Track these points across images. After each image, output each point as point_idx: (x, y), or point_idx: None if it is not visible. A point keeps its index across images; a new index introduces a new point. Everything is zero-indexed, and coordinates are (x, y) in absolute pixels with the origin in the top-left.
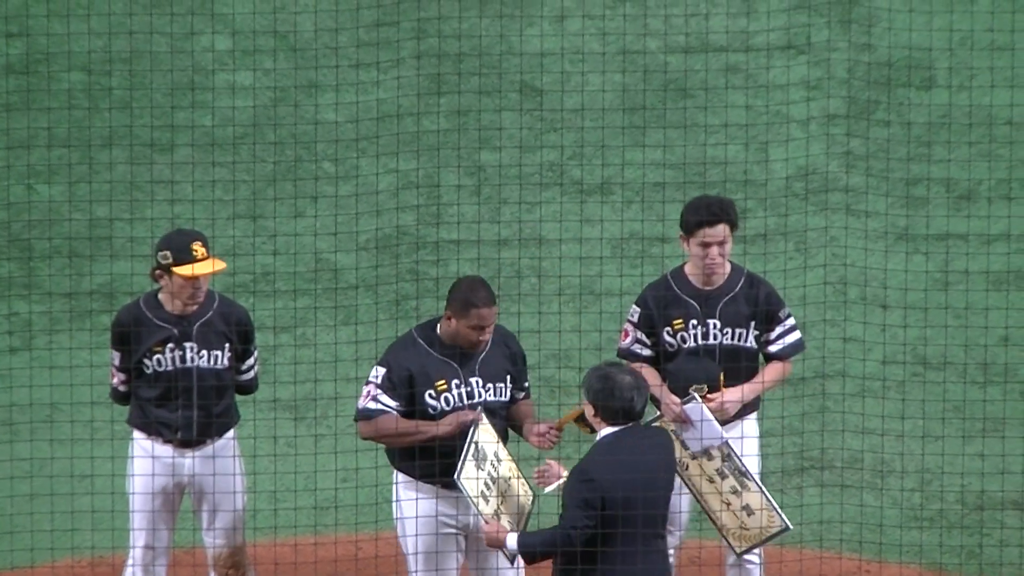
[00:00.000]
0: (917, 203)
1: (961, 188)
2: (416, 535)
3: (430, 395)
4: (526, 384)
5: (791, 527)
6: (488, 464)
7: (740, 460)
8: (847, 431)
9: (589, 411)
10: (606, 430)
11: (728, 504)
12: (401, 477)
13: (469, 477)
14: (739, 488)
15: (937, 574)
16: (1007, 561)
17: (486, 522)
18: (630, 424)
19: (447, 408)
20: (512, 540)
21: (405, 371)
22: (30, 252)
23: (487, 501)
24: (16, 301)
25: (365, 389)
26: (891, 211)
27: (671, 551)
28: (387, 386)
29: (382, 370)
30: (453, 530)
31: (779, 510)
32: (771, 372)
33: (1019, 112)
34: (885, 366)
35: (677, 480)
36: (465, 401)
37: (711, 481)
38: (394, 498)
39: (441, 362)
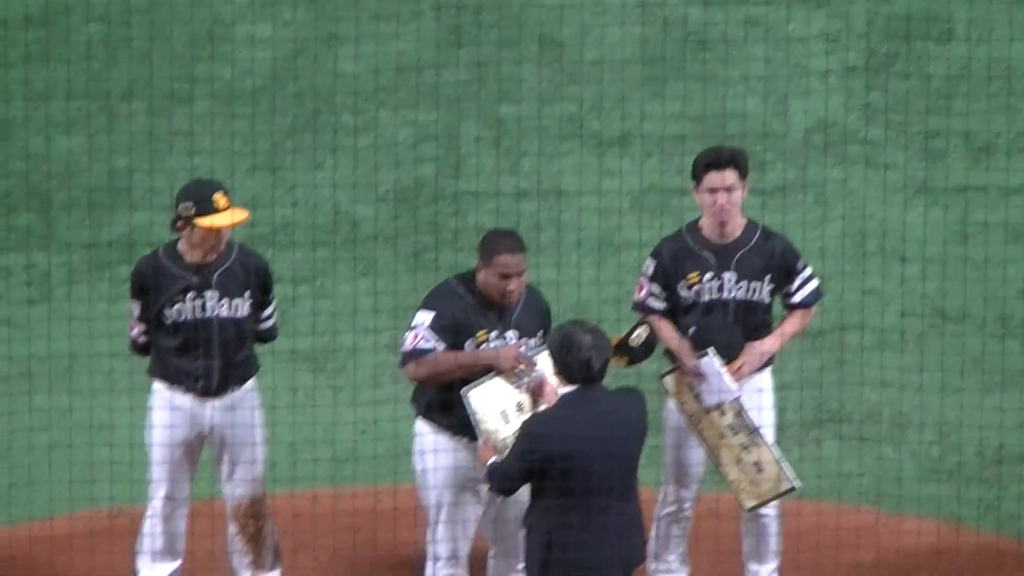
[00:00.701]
0: (936, 156)
1: (980, 141)
2: (437, 487)
3: (470, 345)
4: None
5: (798, 486)
6: (508, 404)
7: (750, 418)
8: (865, 384)
9: (554, 369)
10: (565, 388)
11: (739, 460)
12: (425, 428)
13: (480, 395)
14: (749, 445)
15: (955, 527)
16: None
17: (484, 442)
18: (593, 384)
19: None
20: (489, 461)
21: (450, 317)
22: (49, 203)
23: (490, 424)
24: (35, 252)
25: (411, 333)
26: (910, 164)
27: (687, 503)
28: (437, 328)
29: (429, 313)
30: (474, 483)
31: (788, 470)
32: (791, 323)
33: None
34: (904, 319)
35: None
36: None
37: (722, 436)
38: (416, 449)
39: (480, 313)
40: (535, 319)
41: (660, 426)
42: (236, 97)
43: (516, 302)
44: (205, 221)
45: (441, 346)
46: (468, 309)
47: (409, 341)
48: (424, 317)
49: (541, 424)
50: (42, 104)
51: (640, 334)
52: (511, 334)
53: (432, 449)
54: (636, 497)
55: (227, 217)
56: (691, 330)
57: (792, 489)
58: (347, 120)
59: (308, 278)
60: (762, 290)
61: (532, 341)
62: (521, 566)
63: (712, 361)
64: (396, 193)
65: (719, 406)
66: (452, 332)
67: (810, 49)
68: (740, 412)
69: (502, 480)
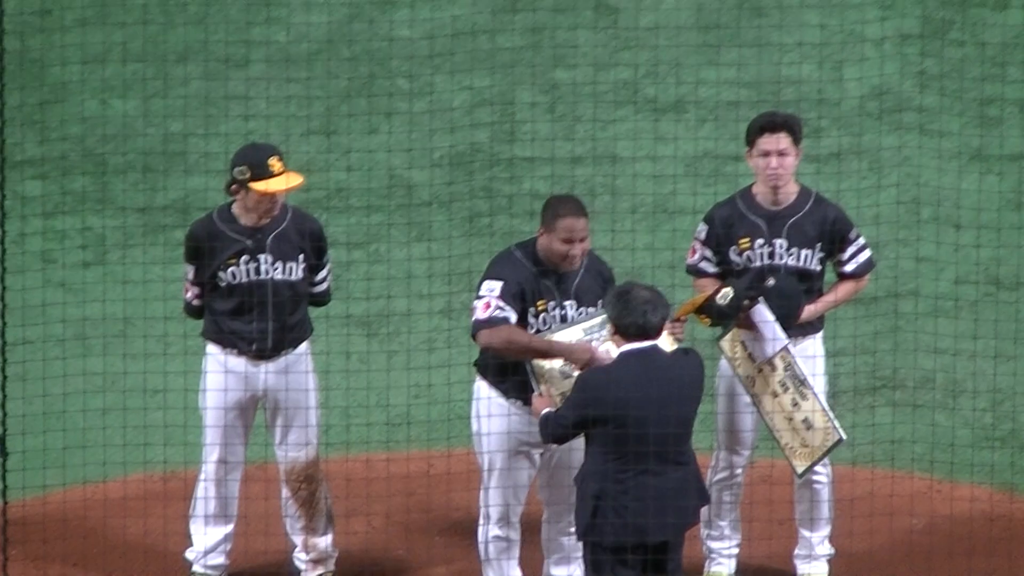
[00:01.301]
0: (991, 123)
1: None
2: (494, 451)
3: (531, 313)
4: None
5: (845, 438)
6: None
7: (800, 368)
8: (919, 351)
9: (611, 329)
10: (624, 346)
11: (790, 419)
12: (483, 393)
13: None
14: (799, 400)
15: (1008, 494)
16: None
17: (540, 394)
18: (648, 339)
19: (543, 328)
20: (544, 411)
21: (518, 286)
22: (104, 167)
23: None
24: (90, 216)
25: (482, 302)
26: (965, 131)
27: (739, 470)
28: (507, 296)
29: (498, 283)
30: (527, 446)
31: (835, 420)
32: (844, 290)
33: None
34: (958, 286)
35: (745, 398)
36: (559, 323)
37: (775, 395)
38: (474, 413)
39: (542, 282)
40: (596, 287)
41: (713, 392)
42: (291, 61)
43: (577, 270)
44: (260, 185)
45: (513, 315)
46: (531, 278)
47: (481, 310)
48: (493, 285)
49: (598, 376)
50: (98, 67)
51: (727, 293)
52: (570, 303)
53: (487, 412)
54: (692, 460)
55: (282, 181)
56: (769, 281)
57: (840, 441)
58: (402, 85)
59: (362, 243)
60: (812, 258)
61: (591, 310)
62: (573, 528)
63: (762, 309)
64: (451, 158)
65: (770, 360)
66: (520, 300)
67: (865, 16)
68: (790, 364)
69: (555, 428)
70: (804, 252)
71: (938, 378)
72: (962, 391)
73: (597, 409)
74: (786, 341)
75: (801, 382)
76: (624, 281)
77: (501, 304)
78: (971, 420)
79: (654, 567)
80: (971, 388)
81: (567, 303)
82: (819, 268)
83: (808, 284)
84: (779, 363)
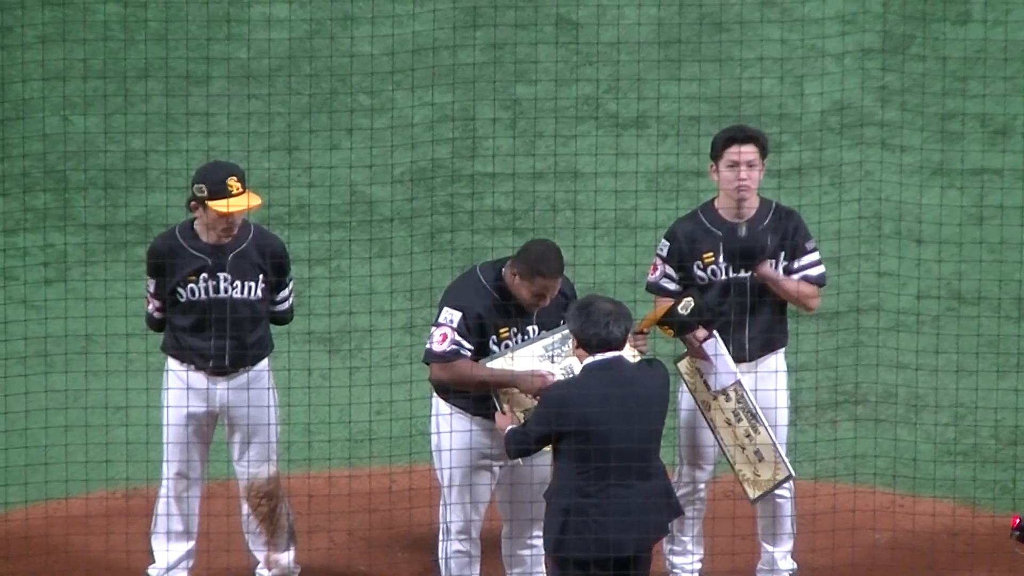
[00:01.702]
0: (952, 138)
1: (996, 123)
2: (453, 467)
3: (493, 341)
4: None
5: (794, 475)
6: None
7: (752, 401)
8: (881, 365)
9: (573, 343)
10: (587, 360)
11: (743, 448)
12: (443, 408)
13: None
14: (752, 432)
15: (971, 509)
16: None
17: (503, 412)
18: (612, 351)
19: (505, 352)
20: (508, 428)
21: (477, 317)
22: (65, 183)
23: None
24: (51, 232)
25: (439, 331)
26: (926, 146)
27: (702, 485)
28: (463, 331)
29: (457, 314)
30: (488, 460)
31: (785, 458)
32: (804, 287)
33: None
34: (920, 301)
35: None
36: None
37: (728, 424)
38: (434, 430)
39: (505, 309)
40: (557, 310)
41: (676, 407)
42: (252, 78)
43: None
44: (217, 204)
45: (469, 348)
46: (494, 306)
47: (438, 341)
48: (451, 316)
49: (562, 390)
50: (59, 84)
51: (688, 303)
52: (532, 328)
53: (448, 428)
54: (661, 473)
55: (239, 202)
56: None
57: (790, 477)
58: (363, 101)
59: (324, 259)
60: (777, 268)
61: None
62: (534, 540)
63: (716, 343)
64: (412, 174)
65: (724, 391)
66: (478, 332)
67: (826, 31)
68: (742, 396)
69: (520, 443)
70: (769, 262)
71: (900, 393)
72: (924, 406)
73: (561, 423)
74: (737, 376)
75: (753, 415)
76: (586, 295)
77: (458, 339)
78: (933, 435)
79: None
80: (933, 403)
81: (530, 328)
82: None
83: (774, 294)
84: (732, 394)
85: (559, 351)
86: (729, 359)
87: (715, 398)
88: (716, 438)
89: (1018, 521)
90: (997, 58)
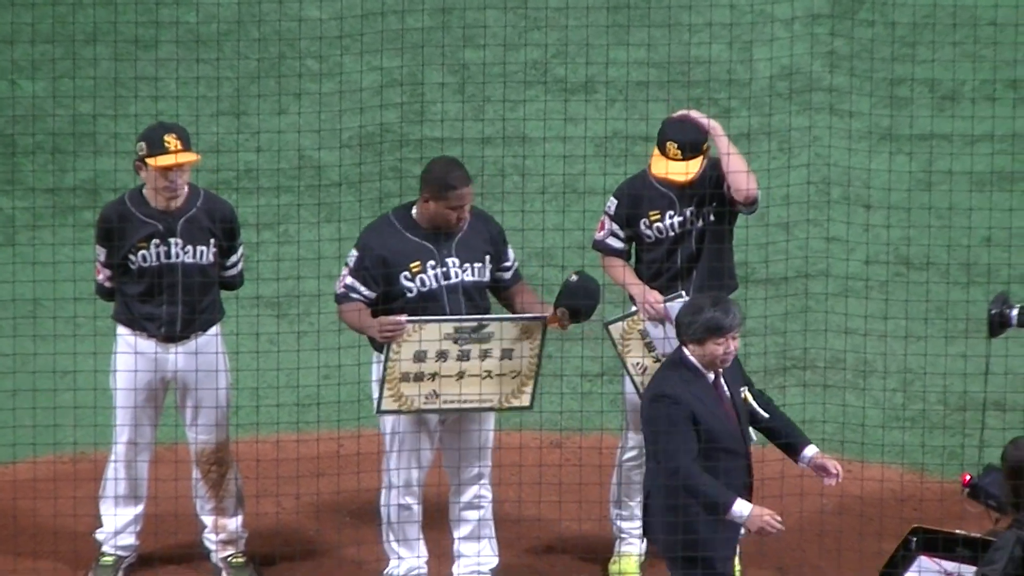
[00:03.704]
0: (901, 103)
1: (945, 89)
2: (393, 432)
3: (405, 277)
4: (508, 264)
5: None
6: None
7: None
8: (829, 331)
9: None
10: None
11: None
12: (379, 373)
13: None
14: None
15: (918, 475)
16: (988, 462)
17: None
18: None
19: (423, 289)
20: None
21: (378, 254)
22: (13, 148)
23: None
24: None
25: (343, 272)
26: (874, 111)
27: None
28: (358, 271)
29: (355, 254)
30: (428, 420)
31: None
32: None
33: (1003, 13)
34: (868, 266)
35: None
36: (441, 282)
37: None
38: (373, 379)
39: (416, 244)
40: (480, 244)
41: (622, 372)
42: (201, 42)
43: (459, 229)
44: (154, 161)
45: (364, 288)
46: (401, 242)
47: (338, 282)
48: (351, 256)
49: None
50: (6, 48)
51: (563, 312)
52: (452, 261)
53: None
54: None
55: (172, 158)
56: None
57: None
58: (311, 66)
59: (272, 223)
60: (722, 216)
61: (477, 266)
62: (481, 503)
63: (679, 305)
64: (361, 139)
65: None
66: (380, 269)
67: None
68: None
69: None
70: (712, 215)
71: (848, 358)
72: (872, 371)
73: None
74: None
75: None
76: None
77: (350, 281)
78: (881, 400)
79: None
80: (881, 368)
81: (449, 260)
82: (731, 226)
83: (724, 244)
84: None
85: (466, 336)
86: None
87: (656, 360)
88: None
89: (968, 478)
90: (946, 23)
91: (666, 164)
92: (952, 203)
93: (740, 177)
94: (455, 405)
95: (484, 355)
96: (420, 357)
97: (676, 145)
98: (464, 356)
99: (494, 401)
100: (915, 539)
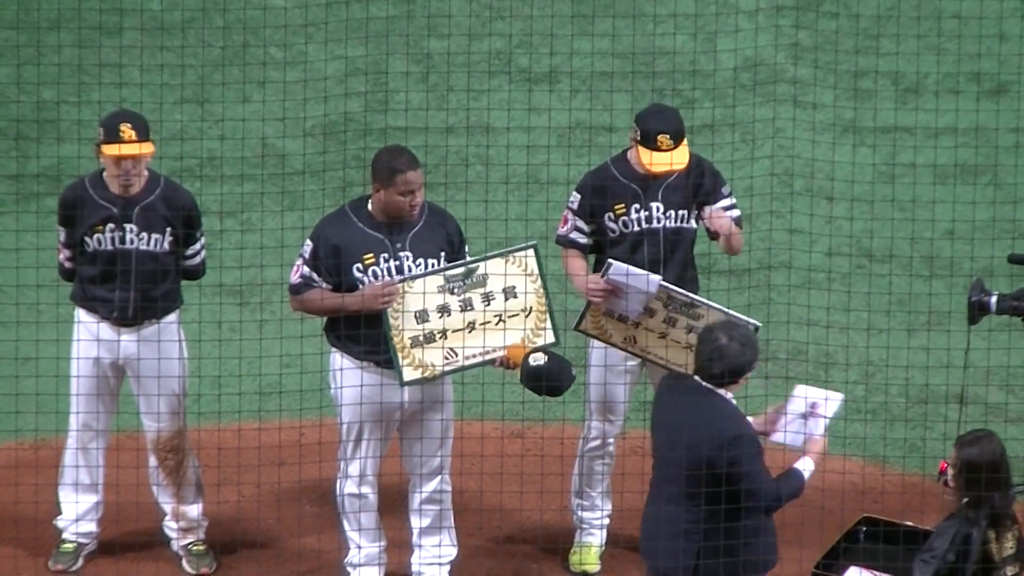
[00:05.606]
0: (864, 96)
1: (908, 81)
2: (347, 406)
3: (357, 268)
4: None
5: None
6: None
7: (681, 292)
8: (791, 323)
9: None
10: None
11: (688, 347)
12: (336, 363)
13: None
14: (694, 322)
15: (880, 467)
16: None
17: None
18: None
19: (375, 282)
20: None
21: (331, 245)
22: None
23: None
24: None
25: (296, 262)
26: (838, 103)
27: (611, 439)
28: (312, 260)
29: (309, 244)
30: (383, 411)
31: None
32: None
33: (967, 6)
34: (830, 258)
35: (619, 367)
36: (394, 275)
37: (663, 336)
38: (331, 384)
39: (370, 236)
40: (435, 241)
41: (586, 362)
42: (164, 29)
43: (415, 222)
44: (108, 150)
45: (318, 277)
46: (355, 233)
47: (293, 272)
48: (305, 247)
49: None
50: None
51: (537, 356)
52: (405, 255)
53: (339, 367)
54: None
55: (130, 149)
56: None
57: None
58: (275, 54)
59: (235, 211)
60: (689, 217)
61: (432, 262)
62: (442, 496)
63: (618, 265)
64: (324, 127)
65: (646, 309)
66: (333, 259)
67: None
68: (670, 297)
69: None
70: (681, 212)
71: (810, 350)
72: (834, 363)
73: None
74: (658, 281)
75: (691, 305)
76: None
77: (307, 271)
78: (843, 392)
79: None
80: (843, 360)
81: (402, 254)
82: (695, 227)
83: (687, 244)
84: (656, 305)
85: (459, 284)
86: (636, 269)
87: (637, 325)
88: (651, 366)
89: (946, 466)
90: (910, 16)
91: (660, 156)
92: (915, 196)
93: (736, 246)
94: (478, 359)
95: (487, 299)
96: (422, 318)
97: (668, 136)
98: (467, 306)
99: (517, 340)
100: (863, 529)
